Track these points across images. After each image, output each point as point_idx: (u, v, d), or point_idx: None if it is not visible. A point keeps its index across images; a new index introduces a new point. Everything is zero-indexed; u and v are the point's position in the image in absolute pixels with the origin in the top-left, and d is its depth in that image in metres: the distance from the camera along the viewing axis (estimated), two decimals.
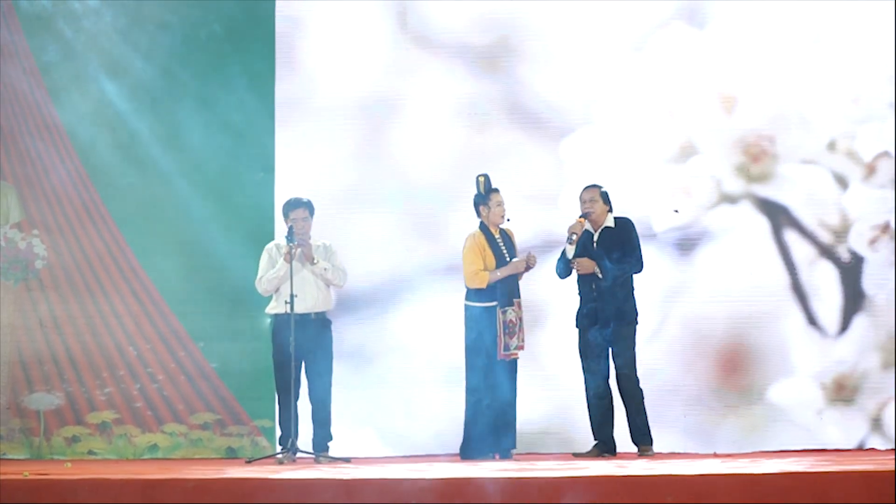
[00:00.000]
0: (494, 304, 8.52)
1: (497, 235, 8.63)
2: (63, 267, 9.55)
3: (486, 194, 8.62)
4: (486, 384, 8.47)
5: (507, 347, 8.47)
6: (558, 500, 6.03)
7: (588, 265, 8.54)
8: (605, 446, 8.54)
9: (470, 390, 8.55)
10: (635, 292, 8.61)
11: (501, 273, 8.53)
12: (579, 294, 8.65)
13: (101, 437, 9.46)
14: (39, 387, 9.50)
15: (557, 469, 6.92)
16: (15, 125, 9.57)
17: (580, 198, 8.68)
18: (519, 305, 8.56)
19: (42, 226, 9.58)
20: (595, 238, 8.59)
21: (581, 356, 8.63)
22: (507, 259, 8.58)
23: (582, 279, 8.61)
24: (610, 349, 8.54)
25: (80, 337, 9.51)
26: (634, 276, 8.61)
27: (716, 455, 8.98)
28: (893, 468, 6.19)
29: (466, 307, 8.62)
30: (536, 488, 6.14)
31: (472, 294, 8.60)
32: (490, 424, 8.45)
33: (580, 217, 8.60)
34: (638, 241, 8.64)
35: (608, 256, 8.51)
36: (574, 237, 8.55)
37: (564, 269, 8.66)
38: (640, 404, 8.56)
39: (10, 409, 9.48)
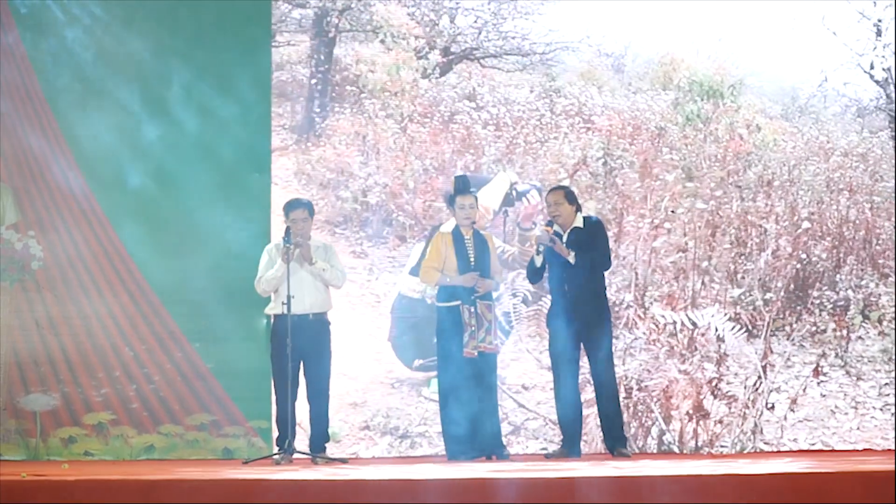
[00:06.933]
0: (457, 303, 8.48)
1: (468, 237, 8.57)
2: (59, 268, 9.53)
3: (454, 195, 8.59)
4: (454, 383, 8.41)
5: (466, 345, 8.41)
6: (559, 500, 6.03)
7: (564, 249, 8.45)
8: (570, 445, 8.45)
9: (440, 390, 8.52)
10: (606, 291, 8.59)
11: (451, 281, 8.49)
12: (550, 294, 8.61)
13: (97, 438, 9.43)
14: (35, 388, 9.47)
15: (558, 469, 6.90)
16: (11, 126, 9.55)
17: (545, 200, 8.64)
18: (487, 307, 8.50)
19: (38, 227, 9.55)
20: (564, 239, 8.54)
21: (552, 357, 8.57)
22: (472, 263, 8.52)
23: (552, 280, 8.55)
24: (585, 349, 8.47)
25: (76, 338, 9.48)
26: (605, 273, 8.59)
27: (715, 456, 8.98)
28: (893, 468, 6.20)
29: (436, 307, 8.61)
30: (536, 488, 6.13)
31: (439, 294, 8.59)
32: (465, 424, 8.37)
33: (546, 226, 8.53)
34: (606, 240, 8.60)
35: (578, 256, 8.44)
36: (541, 248, 8.49)
37: (533, 274, 8.65)
38: (616, 405, 8.49)
39: (7, 410, 9.45)
